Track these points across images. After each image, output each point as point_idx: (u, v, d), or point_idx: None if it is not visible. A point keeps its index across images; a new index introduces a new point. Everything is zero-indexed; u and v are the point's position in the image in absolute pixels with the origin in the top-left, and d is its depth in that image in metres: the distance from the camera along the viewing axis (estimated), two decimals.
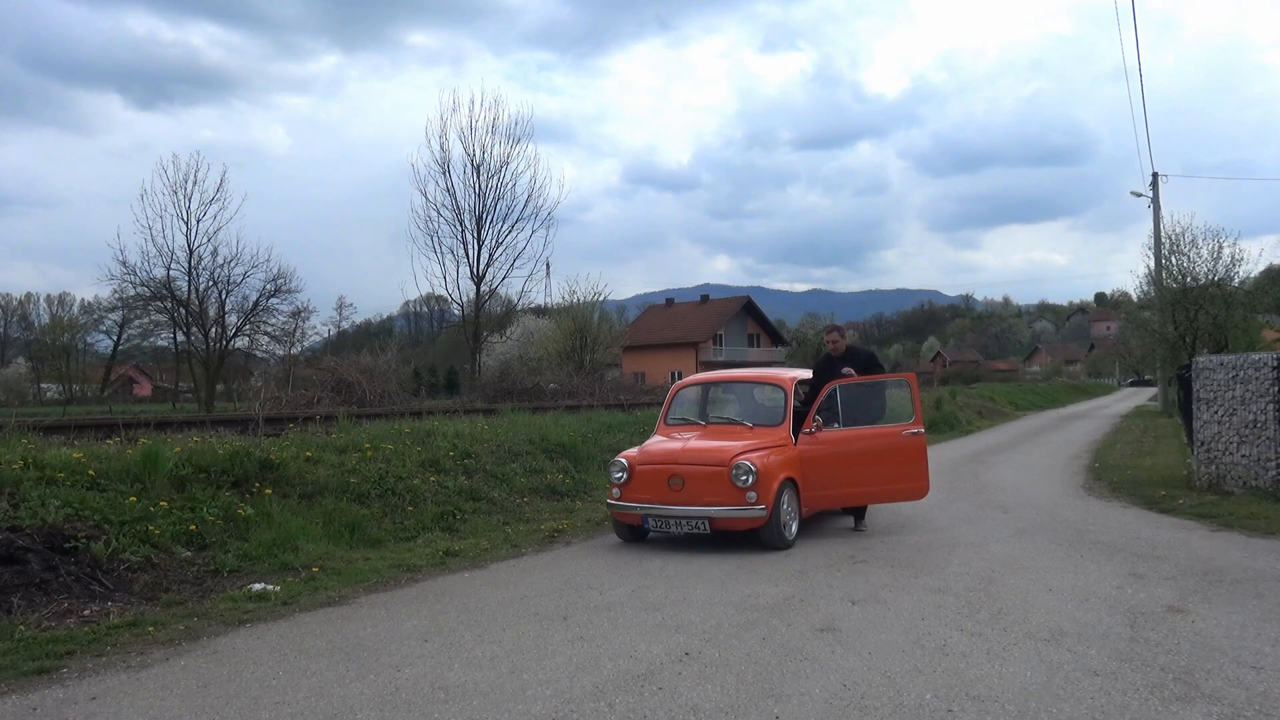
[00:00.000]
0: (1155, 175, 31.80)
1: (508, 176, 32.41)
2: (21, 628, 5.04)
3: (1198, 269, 26.92)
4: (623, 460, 7.82)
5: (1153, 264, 29.27)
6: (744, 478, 7.26)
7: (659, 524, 7.62)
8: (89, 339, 61.19)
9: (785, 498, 7.54)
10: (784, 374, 8.83)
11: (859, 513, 8.65)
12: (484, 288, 32.67)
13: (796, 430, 8.09)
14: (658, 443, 8.10)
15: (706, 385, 9.11)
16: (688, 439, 7.99)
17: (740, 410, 8.61)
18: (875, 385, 8.56)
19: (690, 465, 7.53)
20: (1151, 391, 50.27)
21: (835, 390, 8.26)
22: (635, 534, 7.92)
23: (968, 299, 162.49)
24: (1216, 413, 10.18)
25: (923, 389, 33.06)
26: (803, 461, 7.93)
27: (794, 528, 7.71)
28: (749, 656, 4.62)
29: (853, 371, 8.51)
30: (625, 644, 4.87)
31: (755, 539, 7.47)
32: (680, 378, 15.77)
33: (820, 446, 8.05)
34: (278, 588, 6.13)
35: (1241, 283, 26.80)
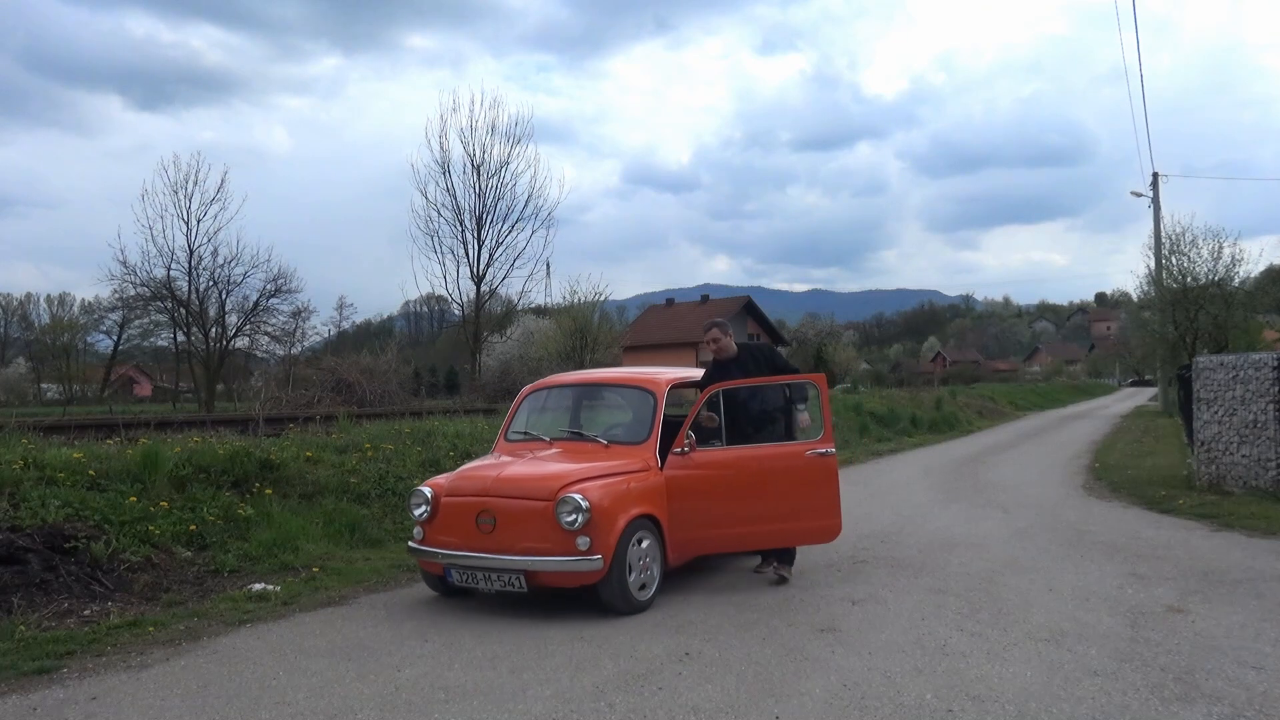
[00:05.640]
0: (1155, 175, 31.80)
1: (508, 177, 32.35)
2: (21, 628, 5.04)
3: (1198, 269, 26.93)
4: (425, 490, 5.84)
5: (1153, 264, 29.26)
6: (571, 517, 5.31)
7: (464, 577, 5.60)
8: (89, 339, 61.14)
9: (639, 543, 5.61)
10: (659, 375, 6.65)
11: (783, 555, 6.48)
12: (484, 288, 32.64)
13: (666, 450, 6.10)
14: (477, 466, 6.21)
15: (562, 389, 7.12)
16: (512, 462, 6.01)
17: (597, 422, 6.80)
18: (774, 389, 6.55)
19: (503, 498, 5.54)
20: (1151, 391, 50.24)
21: (719, 395, 6.29)
22: (447, 587, 5.89)
23: (968, 299, 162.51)
24: (1217, 413, 10.18)
25: (923, 389, 32.75)
26: (670, 492, 5.92)
27: (652, 583, 5.70)
28: (749, 656, 4.62)
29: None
30: (625, 644, 4.87)
31: (595, 597, 5.50)
32: None
33: (695, 472, 6.02)
34: (278, 588, 6.14)
35: (1242, 283, 26.82)
